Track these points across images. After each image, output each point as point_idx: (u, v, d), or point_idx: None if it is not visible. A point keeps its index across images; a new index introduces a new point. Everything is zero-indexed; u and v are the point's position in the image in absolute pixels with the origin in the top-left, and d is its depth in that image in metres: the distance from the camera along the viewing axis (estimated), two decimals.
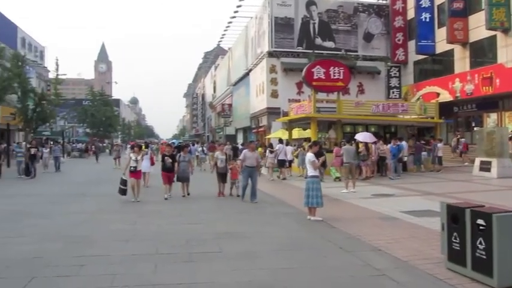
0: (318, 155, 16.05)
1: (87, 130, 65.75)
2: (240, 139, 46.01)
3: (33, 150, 21.75)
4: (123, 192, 12.81)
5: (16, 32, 51.67)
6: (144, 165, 16.32)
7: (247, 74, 41.63)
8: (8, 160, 29.08)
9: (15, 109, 35.87)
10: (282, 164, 20.11)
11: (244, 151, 13.31)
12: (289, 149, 21.49)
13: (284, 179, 19.37)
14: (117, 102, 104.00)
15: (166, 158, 13.78)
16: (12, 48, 45.40)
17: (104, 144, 59.42)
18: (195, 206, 12.14)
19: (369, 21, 36.43)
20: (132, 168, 13.01)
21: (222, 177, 14.17)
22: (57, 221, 10.00)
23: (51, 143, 33.09)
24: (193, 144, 37.52)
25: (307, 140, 20.81)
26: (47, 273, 6.08)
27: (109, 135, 71.07)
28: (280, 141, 22.60)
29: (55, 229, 9.07)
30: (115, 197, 12.79)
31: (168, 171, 13.66)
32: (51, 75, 52.02)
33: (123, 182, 12.85)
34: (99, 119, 61.48)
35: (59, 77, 43.20)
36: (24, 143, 25.67)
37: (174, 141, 44.20)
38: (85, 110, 61.48)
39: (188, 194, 13.97)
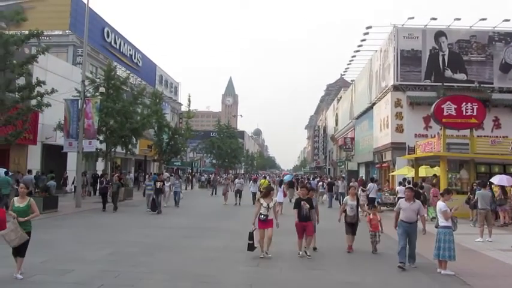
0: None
1: (213, 161, 68.96)
2: (362, 174, 44.96)
3: (158, 184, 21.65)
4: (250, 247, 10.69)
5: (155, 70, 57.14)
6: (278, 197, 19.41)
7: (370, 108, 40.67)
8: (144, 191, 31.40)
9: (152, 142, 39.46)
10: (372, 202, 20.59)
11: (400, 200, 10.61)
12: (401, 189, 20.00)
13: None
14: (242, 134, 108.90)
15: (302, 203, 11.11)
16: (150, 85, 50.38)
17: (229, 175, 61.08)
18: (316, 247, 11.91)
19: (506, 50, 33.60)
20: (262, 216, 10.77)
21: (351, 227, 11.84)
22: (187, 257, 10.56)
23: (172, 174, 34.05)
24: (313, 179, 37.43)
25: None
26: None
27: (233, 166, 74.13)
28: (372, 180, 23.91)
29: (185, 266, 9.58)
30: (239, 234, 12.62)
31: (305, 220, 11.02)
32: (183, 108, 56.20)
33: (250, 236, 10.73)
34: (224, 151, 64.24)
35: (190, 111, 46.00)
36: (167, 175, 27.03)
37: (286, 176, 43.90)
38: (212, 142, 64.43)
39: (315, 249, 11.60)
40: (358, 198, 12.42)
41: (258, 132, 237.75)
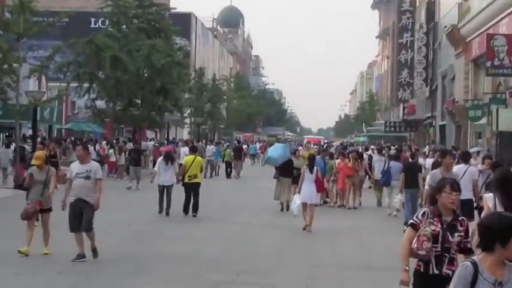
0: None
1: (99, 103, 63.77)
2: None
3: None
4: None
5: None
6: (304, 194, 28.63)
7: None
8: None
9: None
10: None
11: None
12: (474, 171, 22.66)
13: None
14: (186, 21, 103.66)
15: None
16: None
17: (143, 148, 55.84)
18: None
19: None
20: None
21: None
22: None
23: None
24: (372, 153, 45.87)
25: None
26: None
27: (161, 118, 67.42)
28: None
29: None
30: None
31: None
32: None
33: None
34: (133, 72, 57.71)
35: None
36: None
37: (271, 149, 46.69)
38: (96, 47, 57.74)
39: None
40: None
41: (234, 21, 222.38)
